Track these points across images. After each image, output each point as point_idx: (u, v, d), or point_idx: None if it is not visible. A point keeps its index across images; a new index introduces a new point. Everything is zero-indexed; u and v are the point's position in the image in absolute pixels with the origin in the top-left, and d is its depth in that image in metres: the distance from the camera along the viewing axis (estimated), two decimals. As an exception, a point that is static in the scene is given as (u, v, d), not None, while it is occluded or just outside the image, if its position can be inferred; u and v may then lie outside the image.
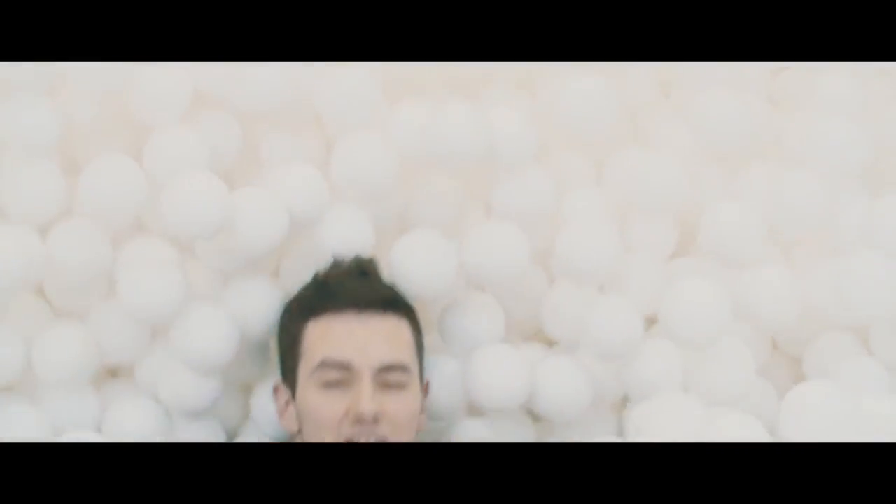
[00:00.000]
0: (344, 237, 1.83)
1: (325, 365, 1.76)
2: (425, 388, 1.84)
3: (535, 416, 1.90)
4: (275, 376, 1.84)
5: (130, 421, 1.82)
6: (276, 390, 1.83)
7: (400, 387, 1.78)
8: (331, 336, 1.78)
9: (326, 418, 1.76)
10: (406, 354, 1.80)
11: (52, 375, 1.81)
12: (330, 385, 1.76)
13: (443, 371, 1.87)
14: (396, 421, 1.76)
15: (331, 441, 1.75)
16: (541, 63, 1.87)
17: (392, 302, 1.81)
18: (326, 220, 1.83)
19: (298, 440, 1.80)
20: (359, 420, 1.74)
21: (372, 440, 1.74)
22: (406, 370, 1.79)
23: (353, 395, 1.76)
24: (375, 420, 1.74)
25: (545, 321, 1.90)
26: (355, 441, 1.74)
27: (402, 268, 1.83)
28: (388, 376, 1.77)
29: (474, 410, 1.89)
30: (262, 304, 1.83)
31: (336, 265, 1.82)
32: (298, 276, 1.83)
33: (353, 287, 1.80)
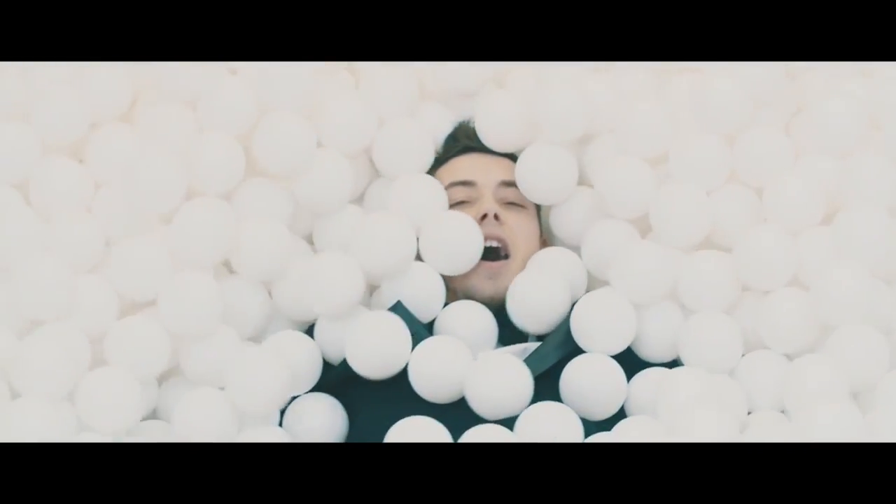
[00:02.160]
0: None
1: (451, 186, 2.03)
2: (543, 241, 2.07)
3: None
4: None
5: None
6: None
7: (520, 205, 2.03)
8: (456, 167, 2.06)
9: None
10: None
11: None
12: (458, 203, 2.02)
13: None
14: (516, 231, 2.01)
15: None
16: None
17: (512, 155, 2.06)
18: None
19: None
20: (484, 219, 1.98)
21: (495, 244, 1.98)
22: None
23: (478, 206, 2.00)
24: (498, 219, 1.99)
25: None
26: (484, 243, 1.97)
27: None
28: (507, 192, 2.03)
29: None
30: None
31: (464, 123, 2.08)
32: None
33: (476, 135, 2.06)
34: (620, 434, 1.79)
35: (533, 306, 1.95)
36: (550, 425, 1.76)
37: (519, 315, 1.96)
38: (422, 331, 1.92)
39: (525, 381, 1.84)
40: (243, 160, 1.96)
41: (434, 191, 2.01)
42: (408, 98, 2.07)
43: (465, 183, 2.04)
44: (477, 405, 1.84)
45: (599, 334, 1.90)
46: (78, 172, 1.95)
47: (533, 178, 2.02)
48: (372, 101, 2.04)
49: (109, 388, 1.79)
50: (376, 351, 1.88)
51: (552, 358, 1.91)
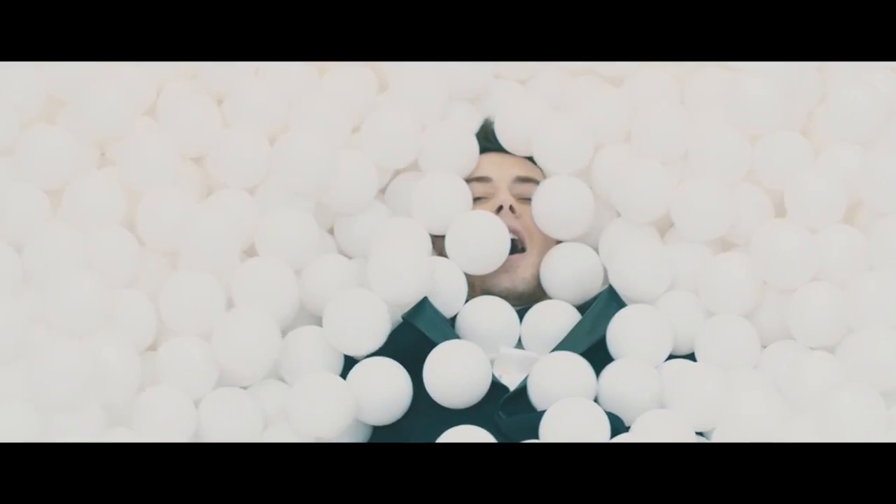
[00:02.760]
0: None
1: (469, 181, 2.02)
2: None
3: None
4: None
5: None
6: None
7: None
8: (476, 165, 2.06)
9: None
10: (540, 176, 2.05)
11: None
12: (475, 200, 2.02)
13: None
14: (532, 225, 2.01)
15: None
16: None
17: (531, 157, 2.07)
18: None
19: None
20: (500, 211, 1.98)
21: (512, 236, 1.97)
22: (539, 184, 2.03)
23: (493, 200, 2.01)
24: (514, 211, 2.00)
25: None
26: None
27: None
28: (523, 188, 2.03)
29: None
30: None
31: (486, 123, 2.09)
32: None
33: (495, 136, 2.07)
34: (642, 428, 1.80)
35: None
36: (577, 423, 1.77)
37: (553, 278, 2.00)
38: (447, 327, 1.92)
39: (590, 377, 1.85)
40: (267, 156, 1.96)
41: (458, 190, 2.01)
42: (441, 100, 2.06)
43: (480, 179, 2.04)
44: (538, 400, 1.85)
45: (638, 349, 1.90)
46: (111, 185, 1.92)
47: (550, 215, 2.01)
48: (411, 107, 2.04)
49: (166, 407, 1.80)
50: (381, 399, 1.88)
51: (580, 347, 1.90)
